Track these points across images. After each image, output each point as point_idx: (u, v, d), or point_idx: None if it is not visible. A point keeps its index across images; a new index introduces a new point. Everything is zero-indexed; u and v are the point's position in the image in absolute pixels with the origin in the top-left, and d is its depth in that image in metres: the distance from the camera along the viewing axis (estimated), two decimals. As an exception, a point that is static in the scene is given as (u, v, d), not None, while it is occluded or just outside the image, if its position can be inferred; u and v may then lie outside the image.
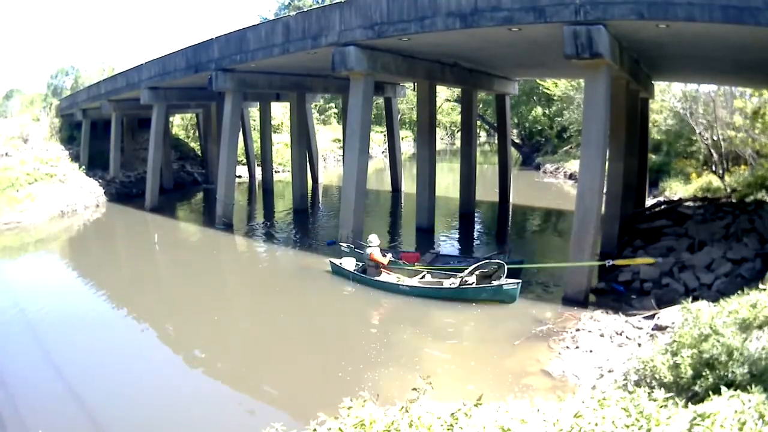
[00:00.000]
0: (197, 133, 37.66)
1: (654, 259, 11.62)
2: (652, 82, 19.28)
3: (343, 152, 18.74)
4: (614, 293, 11.30)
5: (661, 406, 3.53)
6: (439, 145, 41.63)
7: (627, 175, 15.56)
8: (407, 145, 47.59)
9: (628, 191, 16.15)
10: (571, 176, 30.08)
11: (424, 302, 11.39)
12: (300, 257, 15.98)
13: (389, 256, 13.00)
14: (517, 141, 40.87)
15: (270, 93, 25.92)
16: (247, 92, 22.16)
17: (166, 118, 27.33)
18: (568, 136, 35.56)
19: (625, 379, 6.27)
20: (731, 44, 11.44)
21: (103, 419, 7.16)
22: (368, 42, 13.83)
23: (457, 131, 45.81)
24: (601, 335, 9.02)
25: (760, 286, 7.07)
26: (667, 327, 8.50)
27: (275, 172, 31.53)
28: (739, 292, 7.66)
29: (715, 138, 19.81)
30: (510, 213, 22.63)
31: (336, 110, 48.83)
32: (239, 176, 27.86)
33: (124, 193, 27.55)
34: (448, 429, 3.48)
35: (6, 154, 26.80)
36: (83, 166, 27.95)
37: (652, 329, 8.83)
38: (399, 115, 35.87)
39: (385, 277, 12.43)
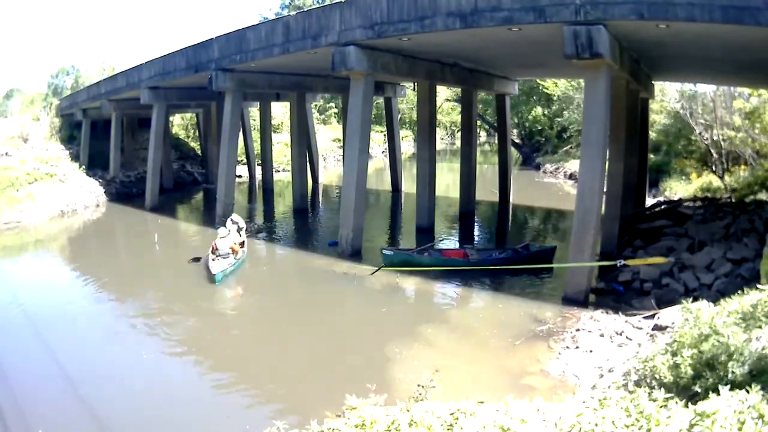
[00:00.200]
0: (197, 133, 37.65)
1: (666, 259, 11.54)
2: (652, 82, 19.29)
3: (343, 152, 18.75)
4: (614, 293, 11.31)
5: (661, 406, 3.53)
6: (439, 145, 41.67)
7: (627, 175, 15.57)
8: (407, 145, 47.58)
9: (628, 191, 16.15)
10: (571, 176, 30.08)
11: (425, 302, 11.39)
12: (300, 257, 15.99)
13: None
14: (517, 141, 40.86)
15: (270, 93, 25.92)
16: (247, 92, 22.16)
17: (166, 118, 27.34)
18: (568, 136, 35.57)
19: (625, 379, 6.27)
20: (731, 44, 11.45)
21: (104, 418, 7.17)
22: (368, 42, 13.83)
23: (457, 131, 45.81)
24: (601, 335, 9.03)
25: (759, 286, 7.06)
26: (667, 327, 8.50)
27: (275, 171, 31.54)
28: (739, 292, 7.66)
29: (714, 138, 19.81)
30: (510, 213, 22.64)
31: (336, 110, 48.82)
32: (239, 176, 27.87)
33: (124, 193, 27.54)
34: (448, 429, 3.49)
35: (6, 153, 26.80)
36: (83, 166, 27.94)
37: (652, 329, 8.83)
38: (399, 115, 35.84)
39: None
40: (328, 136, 45.05)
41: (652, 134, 24.05)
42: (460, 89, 24.85)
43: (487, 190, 25.03)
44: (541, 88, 35.98)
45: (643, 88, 16.79)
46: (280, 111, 40.29)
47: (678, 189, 21.63)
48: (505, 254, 14.29)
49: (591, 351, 8.49)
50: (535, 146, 40.58)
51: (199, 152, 36.82)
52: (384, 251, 14.02)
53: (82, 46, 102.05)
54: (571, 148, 34.53)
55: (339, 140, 39.69)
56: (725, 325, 5.43)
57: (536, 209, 23.35)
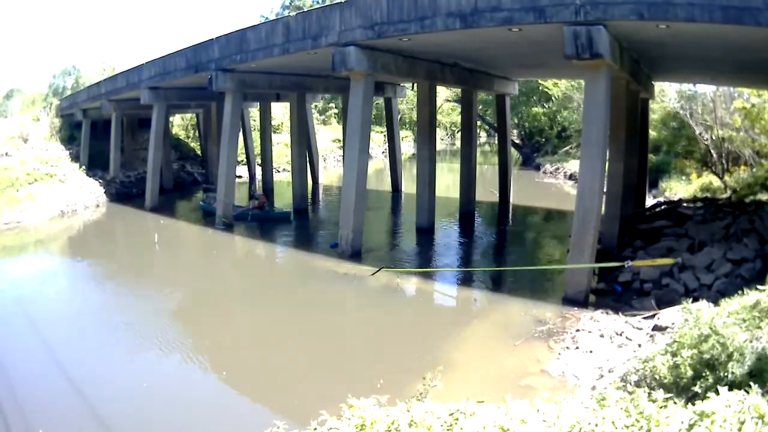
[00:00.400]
0: (197, 133, 37.64)
1: (674, 260, 11.54)
2: (652, 82, 19.29)
3: (343, 152, 18.74)
4: (614, 294, 11.31)
5: (660, 407, 3.53)
6: (439, 146, 41.67)
7: (627, 175, 15.57)
8: (407, 145, 47.57)
9: (628, 191, 16.15)
10: (571, 176, 30.07)
11: (425, 303, 11.39)
12: (300, 257, 15.99)
13: None
14: (517, 141, 40.85)
15: (270, 93, 25.91)
16: (247, 92, 22.15)
17: (166, 118, 27.33)
18: (568, 137, 35.56)
19: (624, 380, 6.27)
20: (731, 44, 11.45)
21: (104, 417, 7.17)
22: (368, 42, 13.83)
23: (457, 131, 45.81)
24: (601, 336, 9.03)
25: (759, 287, 7.06)
26: (666, 327, 8.51)
27: (275, 172, 31.52)
28: (739, 292, 7.67)
29: (714, 138, 19.82)
30: (510, 213, 22.64)
31: (336, 110, 48.82)
32: (239, 176, 27.85)
33: (124, 193, 27.54)
34: (448, 429, 3.49)
35: (6, 153, 26.78)
36: (83, 166, 27.94)
37: (652, 330, 8.83)
38: (399, 115, 35.86)
39: None
40: (328, 136, 45.04)
41: (652, 134, 24.07)
42: (460, 90, 24.85)
43: (487, 191, 25.04)
44: (541, 88, 35.97)
45: (643, 88, 16.80)
46: (280, 111, 40.29)
47: (678, 189, 21.62)
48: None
49: (591, 351, 8.49)
50: (535, 146, 40.57)
51: (199, 152, 36.82)
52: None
53: (82, 46, 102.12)
54: (571, 148, 34.52)
55: (339, 140, 39.68)
56: (725, 326, 5.43)
57: (536, 209, 23.36)
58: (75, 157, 29.07)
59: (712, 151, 19.68)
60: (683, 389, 5.07)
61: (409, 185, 26.48)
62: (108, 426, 7.03)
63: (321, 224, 21.20)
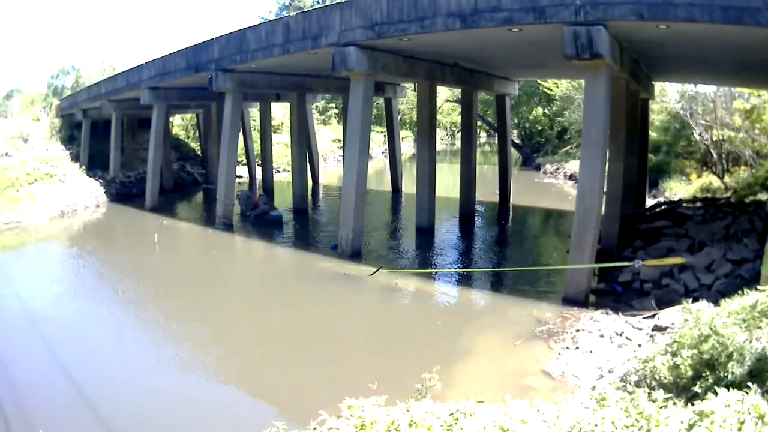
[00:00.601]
0: (197, 133, 37.62)
1: (684, 259, 11.55)
2: (653, 82, 19.29)
3: (343, 152, 18.74)
4: (614, 294, 11.31)
5: (660, 407, 3.53)
6: (439, 146, 41.65)
7: (627, 175, 15.57)
8: (407, 145, 47.57)
9: (628, 191, 16.16)
10: (571, 177, 30.07)
11: (424, 303, 11.39)
12: (300, 257, 15.99)
13: None
14: (517, 141, 40.85)
15: (270, 93, 25.91)
16: (247, 92, 22.15)
17: (166, 118, 27.32)
18: (569, 137, 35.55)
19: (624, 380, 6.27)
20: (731, 44, 11.45)
21: (105, 417, 7.17)
22: (368, 42, 13.83)
23: (457, 131, 45.81)
24: (601, 336, 9.03)
25: (759, 287, 7.06)
26: (666, 327, 8.50)
27: (275, 172, 31.51)
28: (739, 292, 7.66)
29: (714, 138, 19.82)
30: (510, 213, 22.64)
31: (336, 110, 48.81)
32: (239, 176, 27.85)
33: (124, 193, 27.52)
34: (448, 429, 3.49)
35: (6, 154, 26.78)
36: (83, 166, 27.92)
37: (652, 330, 8.83)
38: (399, 116, 35.85)
39: None
40: (328, 136, 45.03)
41: (652, 134, 24.07)
42: (460, 90, 24.84)
43: (487, 191, 25.03)
44: (541, 88, 35.96)
45: (643, 88, 16.80)
46: (280, 111, 40.27)
47: (678, 189, 21.62)
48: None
49: (591, 351, 8.49)
50: (535, 147, 40.57)
51: (199, 153, 36.79)
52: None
53: (82, 46, 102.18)
54: (571, 148, 34.51)
55: (339, 141, 39.68)
56: (725, 326, 5.42)
57: (536, 209, 23.36)
58: (75, 157, 29.06)
59: (712, 152, 19.69)
60: (683, 389, 5.07)
61: (409, 185, 26.48)
62: (108, 426, 7.03)
63: (321, 224, 21.19)
